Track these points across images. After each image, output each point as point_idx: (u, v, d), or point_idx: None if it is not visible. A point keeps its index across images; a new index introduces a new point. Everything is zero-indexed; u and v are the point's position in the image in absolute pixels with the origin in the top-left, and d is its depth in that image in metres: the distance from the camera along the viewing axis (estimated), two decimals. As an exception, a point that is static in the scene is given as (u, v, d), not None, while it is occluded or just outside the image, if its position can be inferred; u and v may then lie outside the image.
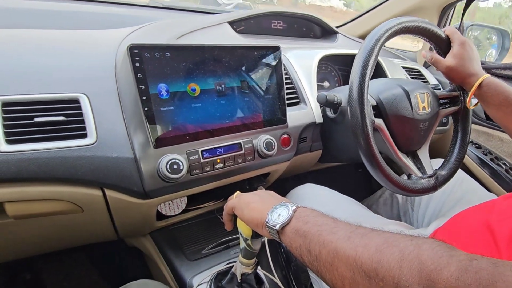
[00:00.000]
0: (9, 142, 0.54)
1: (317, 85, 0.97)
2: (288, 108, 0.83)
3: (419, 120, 0.80)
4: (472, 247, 0.57)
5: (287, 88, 0.87)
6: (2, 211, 0.58)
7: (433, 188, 0.78)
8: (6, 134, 0.54)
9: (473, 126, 1.27)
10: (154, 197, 0.69)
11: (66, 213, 0.64)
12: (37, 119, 0.56)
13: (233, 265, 0.69)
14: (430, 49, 0.86)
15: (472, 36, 1.56)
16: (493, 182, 1.18)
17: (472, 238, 0.60)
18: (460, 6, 1.33)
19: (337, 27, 1.40)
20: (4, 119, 0.54)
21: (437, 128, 0.87)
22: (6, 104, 0.55)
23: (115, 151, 0.62)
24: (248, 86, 0.76)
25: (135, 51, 0.60)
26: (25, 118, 0.56)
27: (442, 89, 0.90)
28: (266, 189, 0.67)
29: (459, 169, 0.87)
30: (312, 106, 0.93)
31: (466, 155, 0.95)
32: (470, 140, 1.28)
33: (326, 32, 1.29)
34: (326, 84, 1.16)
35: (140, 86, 0.61)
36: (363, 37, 1.38)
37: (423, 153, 0.84)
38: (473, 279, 0.30)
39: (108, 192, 0.64)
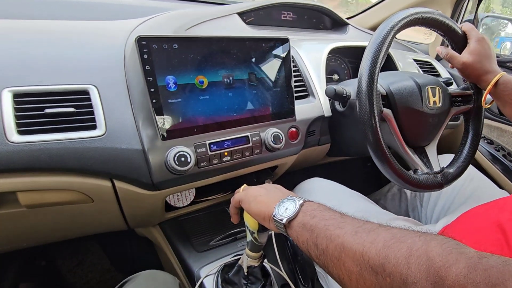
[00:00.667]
0: (20, 132, 0.55)
1: (326, 77, 0.96)
2: (296, 101, 0.83)
3: (429, 115, 0.78)
4: (482, 246, 0.56)
5: (295, 81, 0.86)
6: (15, 200, 0.59)
7: (439, 185, 0.77)
8: (18, 125, 0.55)
9: (486, 121, 1.24)
10: (162, 189, 0.69)
11: (77, 203, 0.65)
12: (47, 110, 0.57)
13: (240, 258, 0.70)
14: (442, 43, 0.85)
15: (485, 26, 1.52)
16: (505, 179, 1.16)
17: (482, 237, 0.60)
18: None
19: (347, 18, 1.37)
20: (16, 110, 0.55)
21: (448, 123, 0.86)
22: (17, 95, 0.56)
23: (124, 142, 0.62)
24: (256, 78, 0.75)
25: (143, 42, 0.60)
26: (36, 109, 0.57)
27: (454, 84, 0.89)
28: (273, 183, 0.67)
29: (470, 165, 0.86)
30: (321, 99, 0.92)
31: (477, 151, 0.93)
32: (482, 136, 1.26)
33: (337, 24, 1.27)
34: (335, 77, 1.15)
35: (148, 78, 0.61)
36: (374, 28, 1.35)
37: (431, 150, 0.83)
38: (482, 277, 0.30)
39: (117, 183, 0.65)
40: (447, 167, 0.81)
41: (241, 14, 0.99)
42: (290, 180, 0.89)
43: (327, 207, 0.50)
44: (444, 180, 0.77)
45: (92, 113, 0.61)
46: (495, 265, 0.30)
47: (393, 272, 0.35)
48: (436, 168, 0.79)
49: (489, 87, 0.75)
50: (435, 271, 0.32)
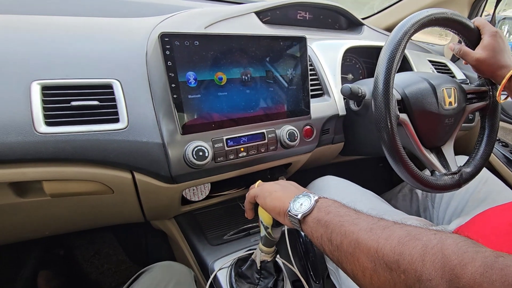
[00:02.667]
0: (48, 124, 0.57)
1: (341, 77, 0.97)
2: (311, 100, 0.84)
3: (445, 116, 0.78)
4: (498, 246, 0.56)
5: (311, 80, 0.87)
6: (41, 189, 0.61)
7: (456, 185, 0.76)
8: (46, 116, 0.57)
9: (501, 123, 1.23)
10: (180, 182, 0.71)
11: (98, 194, 0.67)
12: (73, 103, 0.59)
13: (253, 252, 0.71)
14: (459, 42, 0.84)
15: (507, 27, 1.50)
16: (520, 182, 1.15)
17: (498, 238, 0.59)
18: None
19: (363, 18, 1.37)
20: (44, 102, 0.57)
21: (463, 124, 0.85)
22: (46, 88, 0.58)
23: (144, 136, 0.64)
24: (273, 76, 0.76)
25: (166, 39, 0.62)
26: (63, 102, 0.59)
27: (470, 84, 0.88)
28: (287, 180, 0.68)
29: (484, 168, 0.85)
30: (336, 98, 0.92)
31: (492, 153, 0.92)
32: (497, 138, 1.25)
33: (352, 24, 1.27)
34: (350, 76, 1.15)
35: (170, 74, 0.63)
36: (389, 29, 1.35)
37: (448, 149, 0.83)
38: (499, 276, 0.30)
39: (137, 176, 0.66)
40: (464, 166, 0.80)
41: (258, 13, 1.00)
42: (301, 178, 0.90)
43: (341, 203, 0.50)
44: (462, 179, 0.77)
45: (115, 106, 0.63)
46: (511, 265, 0.30)
47: (407, 269, 0.35)
48: (454, 168, 0.79)
49: (504, 81, 0.74)
50: (450, 269, 0.32)
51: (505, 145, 1.25)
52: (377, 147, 0.73)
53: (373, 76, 0.71)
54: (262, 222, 0.63)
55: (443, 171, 0.77)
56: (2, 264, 1.08)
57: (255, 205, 0.64)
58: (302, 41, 0.79)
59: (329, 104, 0.91)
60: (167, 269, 0.67)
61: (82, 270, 1.23)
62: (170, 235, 0.95)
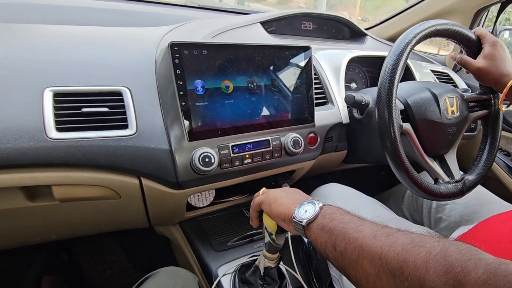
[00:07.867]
0: (59, 130, 0.58)
1: (345, 85, 0.98)
2: (315, 108, 0.85)
3: (448, 124, 0.79)
4: (501, 254, 0.56)
5: (315, 88, 0.88)
6: (50, 194, 0.62)
7: (460, 193, 0.77)
8: (57, 122, 0.58)
9: (503, 133, 1.24)
10: (186, 188, 0.72)
11: (105, 199, 0.68)
12: (84, 109, 0.60)
13: (256, 258, 0.71)
14: (460, 51, 0.85)
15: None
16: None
17: (501, 245, 0.59)
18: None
19: (366, 29, 1.39)
20: (56, 108, 0.59)
21: (465, 133, 0.86)
22: (57, 94, 0.60)
23: (152, 142, 0.65)
24: (278, 84, 0.78)
25: (175, 48, 0.63)
26: (74, 108, 0.60)
27: (471, 93, 0.89)
28: (290, 187, 0.69)
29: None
30: (339, 106, 0.93)
31: (494, 162, 0.92)
32: (499, 147, 1.25)
33: (355, 34, 1.28)
34: (353, 85, 1.16)
35: (179, 82, 0.64)
36: (392, 39, 1.37)
37: (451, 157, 0.83)
38: (502, 283, 0.30)
39: (144, 181, 0.67)
40: (467, 174, 0.81)
41: (263, 23, 1.02)
42: (304, 186, 0.90)
43: (346, 211, 0.51)
44: (465, 187, 0.78)
45: (124, 113, 0.64)
46: None
47: (411, 276, 0.36)
48: (457, 176, 0.79)
49: (505, 90, 0.75)
50: (453, 276, 0.32)
51: (507, 154, 1.26)
52: (380, 155, 0.74)
53: (376, 85, 0.72)
54: (266, 229, 0.64)
55: (446, 179, 0.78)
56: (7, 269, 1.08)
57: (260, 213, 0.65)
58: (307, 50, 0.80)
59: (333, 112, 0.92)
60: (172, 274, 0.68)
61: (85, 275, 1.23)
62: (174, 241, 0.96)
